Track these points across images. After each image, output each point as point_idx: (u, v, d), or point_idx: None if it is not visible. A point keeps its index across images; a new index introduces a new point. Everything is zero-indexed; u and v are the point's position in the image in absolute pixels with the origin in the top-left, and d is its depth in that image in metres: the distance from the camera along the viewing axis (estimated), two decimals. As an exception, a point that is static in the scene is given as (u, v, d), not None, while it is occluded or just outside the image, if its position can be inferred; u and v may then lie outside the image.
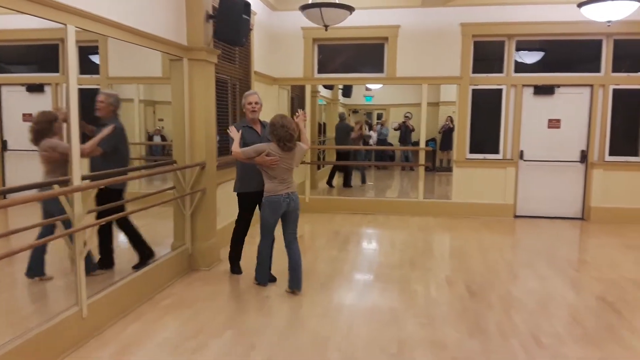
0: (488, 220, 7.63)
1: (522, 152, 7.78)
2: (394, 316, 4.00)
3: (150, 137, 7.92)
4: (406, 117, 13.53)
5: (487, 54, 7.85)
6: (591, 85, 7.51)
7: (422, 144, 8.29)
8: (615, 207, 7.53)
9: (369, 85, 13.61)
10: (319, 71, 8.24)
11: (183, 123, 4.93)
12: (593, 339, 3.61)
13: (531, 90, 7.69)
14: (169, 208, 5.08)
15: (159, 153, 7.98)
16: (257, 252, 4.55)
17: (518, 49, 7.76)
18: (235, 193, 4.83)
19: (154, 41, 4.33)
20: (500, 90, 7.78)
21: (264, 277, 4.60)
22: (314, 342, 3.54)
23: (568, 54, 7.80)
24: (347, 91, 13.33)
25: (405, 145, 13.20)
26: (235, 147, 4.31)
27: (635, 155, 7.58)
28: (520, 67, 7.77)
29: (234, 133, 4.43)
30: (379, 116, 16.73)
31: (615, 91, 7.47)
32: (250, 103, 4.66)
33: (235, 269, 5.01)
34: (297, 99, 9.16)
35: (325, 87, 11.41)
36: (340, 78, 8.55)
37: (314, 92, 9.93)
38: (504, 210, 7.83)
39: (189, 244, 5.10)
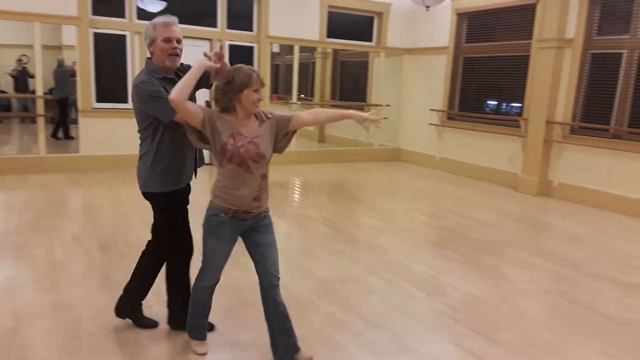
0: (119, 173, 7.42)
1: (150, 101, 7.79)
2: (9, 287, 3.45)
3: None
4: (20, 60, 11.60)
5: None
6: (210, 39, 8.06)
7: (40, 92, 7.29)
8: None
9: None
10: None
11: None
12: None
13: (155, 39, 7.69)
14: None
15: None
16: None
17: (141, -4, 7.59)
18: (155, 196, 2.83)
19: None
20: (124, 37, 7.49)
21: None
22: None
23: (190, 7, 8.12)
24: None
25: (24, 93, 11.37)
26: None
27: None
28: (145, 15, 7.64)
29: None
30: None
31: (231, 47, 8.23)
32: (169, 40, 2.66)
33: (147, 320, 3.06)
34: None
35: None
36: None
37: None
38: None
39: None
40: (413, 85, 9.67)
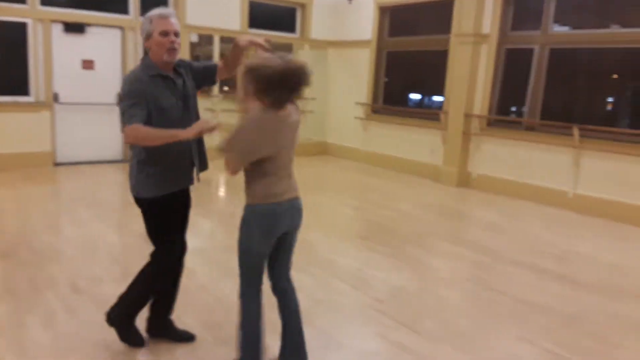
0: (24, 172, 6.80)
1: (56, 94, 7.18)
2: None
3: None
4: None
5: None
6: (122, 27, 7.56)
7: None
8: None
9: None
10: None
11: None
12: (131, 275, 3.74)
13: (61, 27, 7.10)
14: None
15: None
16: (241, 318, 2.34)
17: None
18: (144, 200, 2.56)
19: None
20: (24, 25, 6.84)
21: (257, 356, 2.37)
22: None
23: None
24: None
25: None
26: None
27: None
28: (49, 1, 7.02)
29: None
30: None
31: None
32: (166, 33, 2.45)
33: (135, 336, 2.75)
34: None
35: None
36: None
37: None
38: (41, 158, 7.13)
39: None
40: (338, 78, 9.67)
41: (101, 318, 2.75)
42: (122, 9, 7.54)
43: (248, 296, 2.33)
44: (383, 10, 8.69)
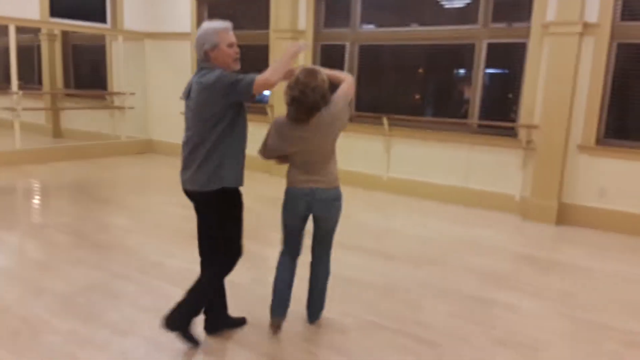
0: None
1: None
2: None
3: None
4: None
5: None
6: None
7: None
8: None
9: None
10: None
11: None
12: None
13: None
14: None
15: None
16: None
17: None
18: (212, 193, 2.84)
19: None
20: None
21: (276, 308, 3.04)
22: None
23: None
24: None
25: None
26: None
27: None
28: None
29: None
30: None
31: None
32: (232, 44, 2.81)
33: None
34: None
35: None
36: None
37: None
38: None
39: None
40: (159, 72, 9.21)
41: None
42: None
43: (280, 256, 3.13)
44: (200, 2, 8.50)
